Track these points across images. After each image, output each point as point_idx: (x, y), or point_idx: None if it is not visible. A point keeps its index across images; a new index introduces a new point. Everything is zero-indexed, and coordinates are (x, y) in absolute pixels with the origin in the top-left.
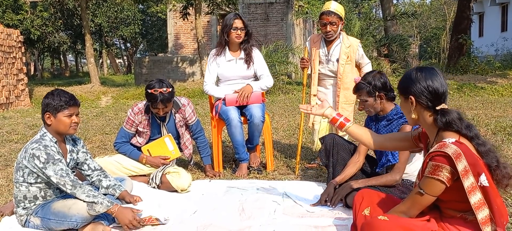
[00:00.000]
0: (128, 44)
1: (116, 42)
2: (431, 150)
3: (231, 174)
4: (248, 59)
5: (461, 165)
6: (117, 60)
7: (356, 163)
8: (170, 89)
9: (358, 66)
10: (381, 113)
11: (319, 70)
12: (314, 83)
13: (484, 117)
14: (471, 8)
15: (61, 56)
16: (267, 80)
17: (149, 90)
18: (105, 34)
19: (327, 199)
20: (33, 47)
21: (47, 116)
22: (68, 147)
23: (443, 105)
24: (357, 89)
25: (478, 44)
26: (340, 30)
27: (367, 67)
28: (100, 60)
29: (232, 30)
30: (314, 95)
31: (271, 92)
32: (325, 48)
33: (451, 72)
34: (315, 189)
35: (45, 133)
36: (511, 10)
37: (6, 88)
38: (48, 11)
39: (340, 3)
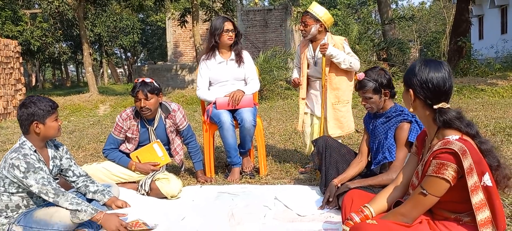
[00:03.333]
0: (129, 54)
1: (116, 52)
2: (435, 148)
3: (224, 179)
4: (239, 60)
5: (467, 162)
6: (118, 70)
7: (358, 164)
8: (153, 80)
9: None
10: (380, 110)
11: (307, 73)
12: (303, 86)
13: (483, 118)
14: (470, 11)
15: (62, 66)
16: (254, 85)
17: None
18: (104, 44)
19: (330, 198)
20: (33, 58)
21: (36, 124)
22: (50, 153)
23: (442, 105)
24: (362, 86)
25: (478, 46)
26: (319, 31)
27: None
28: (101, 70)
29: (224, 33)
30: (303, 98)
31: (269, 97)
32: (311, 49)
33: None
34: (308, 193)
35: (24, 141)
36: (511, 12)
37: (3, 99)
38: (48, 22)
39: (338, 9)
